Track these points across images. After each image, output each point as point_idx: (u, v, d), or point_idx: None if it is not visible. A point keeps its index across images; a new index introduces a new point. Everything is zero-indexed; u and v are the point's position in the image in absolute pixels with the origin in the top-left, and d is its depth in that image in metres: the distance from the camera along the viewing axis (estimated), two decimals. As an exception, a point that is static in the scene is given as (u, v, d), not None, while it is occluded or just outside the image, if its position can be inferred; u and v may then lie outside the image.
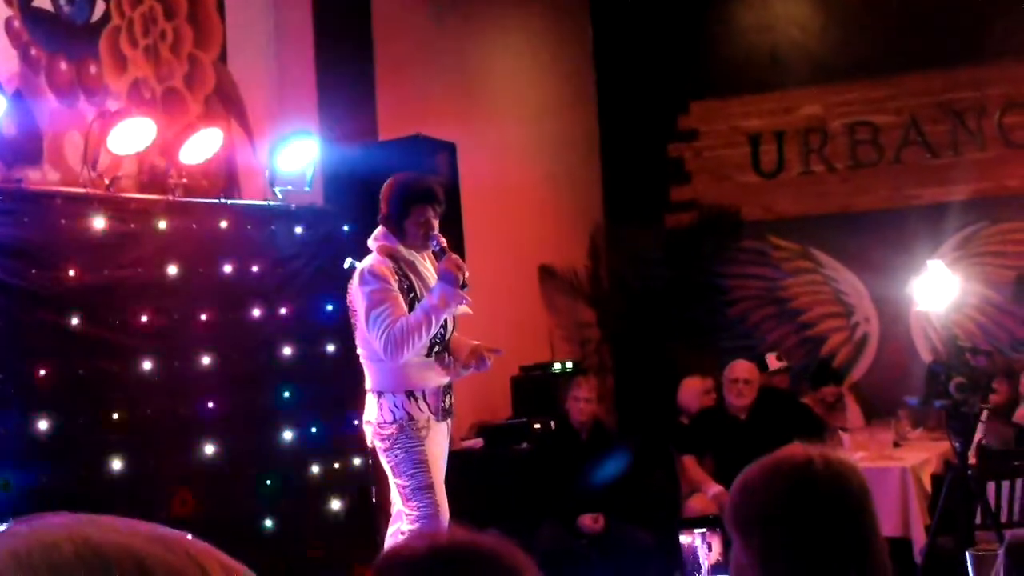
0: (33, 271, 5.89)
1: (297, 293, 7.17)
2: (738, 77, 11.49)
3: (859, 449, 8.04)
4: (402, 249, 5.67)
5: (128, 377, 6.14)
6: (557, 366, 9.76)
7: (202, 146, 6.84)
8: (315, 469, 7.18)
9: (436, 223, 5.72)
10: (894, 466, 7.74)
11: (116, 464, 6.06)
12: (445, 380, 5.76)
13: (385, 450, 5.65)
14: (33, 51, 6.52)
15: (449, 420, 5.86)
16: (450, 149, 7.93)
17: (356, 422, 7.12)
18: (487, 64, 10.31)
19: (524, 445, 8.72)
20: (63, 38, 6.69)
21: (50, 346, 5.91)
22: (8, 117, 6.04)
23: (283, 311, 7.04)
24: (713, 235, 11.36)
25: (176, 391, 6.38)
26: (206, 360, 6.56)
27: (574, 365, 9.81)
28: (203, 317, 6.58)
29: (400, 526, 5.74)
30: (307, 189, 7.42)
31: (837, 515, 2.21)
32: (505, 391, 9.50)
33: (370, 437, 5.76)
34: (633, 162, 11.75)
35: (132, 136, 6.46)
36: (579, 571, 7.62)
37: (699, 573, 2.54)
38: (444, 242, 5.67)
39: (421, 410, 5.63)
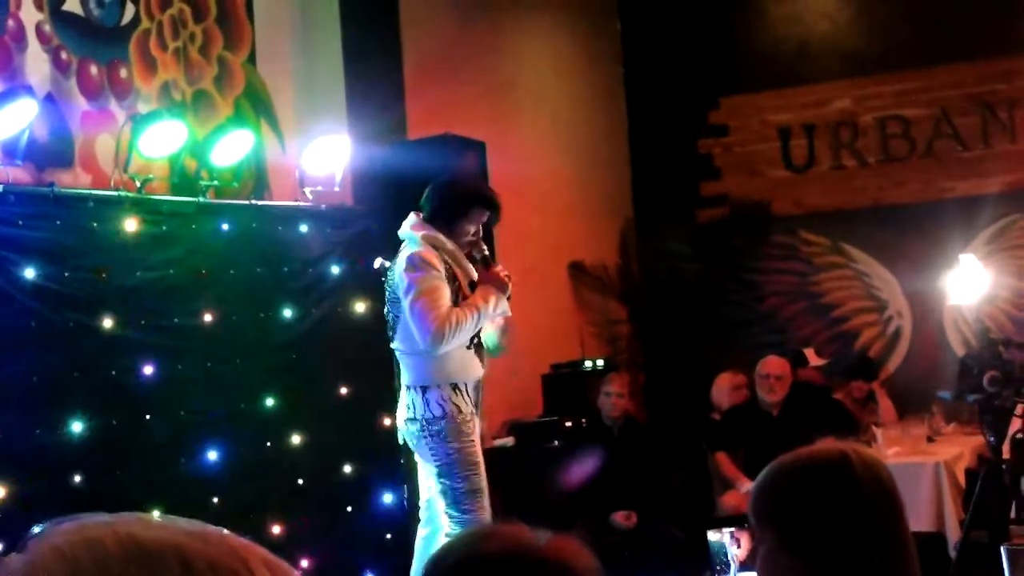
0: (66, 273, 5.93)
1: (328, 293, 7.20)
2: (767, 71, 11.45)
3: (892, 444, 8.00)
4: (445, 240, 5.63)
5: (161, 378, 6.17)
6: (588, 363, 9.75)
7: (232, 147, 6.87)
8: (347, 469, 7.20)
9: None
10: (928, 461, 7.70)
11: (151, 464, 6.10)
12: (482, 373, 5.74)
13: (434, 448, 5.54)
14: (63, 55, 6.56)
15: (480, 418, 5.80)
16: (479, 147, 7.93)
17: (388, 422, 7.15)
18: (516, 62, 10.30)
19: (556, 443, 8.72)
20: (93, 41, 6.73)
21: (83, 348, 5.95)
22: (39, 121, 6.07)
23: (314, 311, 7.06)
24: (744, 230, 11.32)
25: (207, 392, 6.41)
26: (238, 360, 6.59)
27: (605, 362, 9.79)
28: (234, 318, 6.60)
29: (444, 530, 5.61)
30: (337, 189, 7.44)
31: (867, 510, 2.21)
32: (536, 389, 9.50)
33: (410, 436, 5.63)
34: (663, 158, 11.72)
35: (163, 138, 6.49)
36: (611, 568, 7.62)
37: (727, 571, 2.54)
38: (486, 250, 5.75)
39: (466, 403, 5.59)
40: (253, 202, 7.03)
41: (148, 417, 6.17)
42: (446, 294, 5.47)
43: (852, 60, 11.18)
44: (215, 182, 6.90)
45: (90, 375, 5.99)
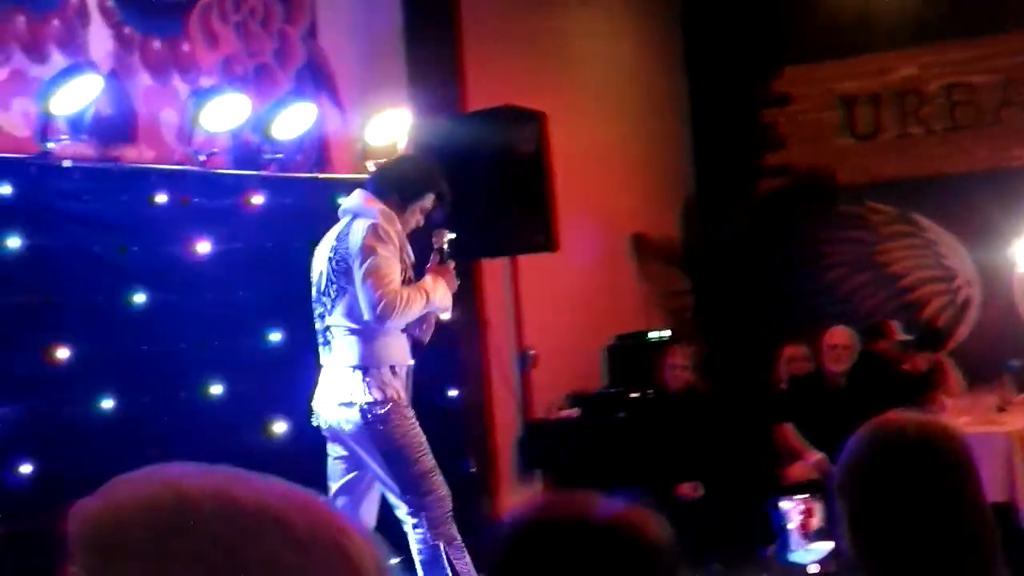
0: (131, 248, 5.97)
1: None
2: (830, 40, 11.31)
3: (961, 415, 7.91)
4: (397, 220, 5.41)
5: (227, 350, 6.21)
6: (652, 335, 9.71)
7: (294, 121, 6.89)
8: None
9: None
10: (998, 431, 7.61)
11: (225, 438, 6.13)
12: (412, 361, 5.49)
13: (379, 434, 5.24)
14: (126, 31, 6.59)
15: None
16: (538, 119, 7.89)
17: (452, 394, 7.18)
18: (574, 33, 10.23)
19: (620, 414, 8.70)
20: (155, 17, 6.75)
21: (147, 321, 6.00)
22: (103, 97, 6.11)
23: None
24: (808, 200, 11.21)
25: (274, 362, 6.44)
26: (303, 331, 6.61)
27: (669, 333, 9.74)
28: (299, 290, 6.62)
29: (407, 522, 5.35)
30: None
31: (928, 480, 2.17)
32: (600, 361, 9.47)
33: (346, 421, 5.31)
34: (725, 128, 11.62)
35: (225, 112, 6.52)
36: (676, 540, 7.58)
37: (794, 540, 2.52)
38: (447, 243, 5.56)
39: (401, 388, 5.33)
40: (315, 175, 7.04)
41: (213, 390, 6.22)
42: (398, 270, 5.27)
43: (917, 27, 11.01)
44: (277, 155, 6.91)
45: (156, 349, 6.04)
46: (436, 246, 5.55)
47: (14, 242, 5.55)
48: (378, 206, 5.37)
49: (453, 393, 7.60)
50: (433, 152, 7.74)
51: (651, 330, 9.87)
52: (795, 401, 8.44)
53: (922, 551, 2.13)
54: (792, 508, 2.43)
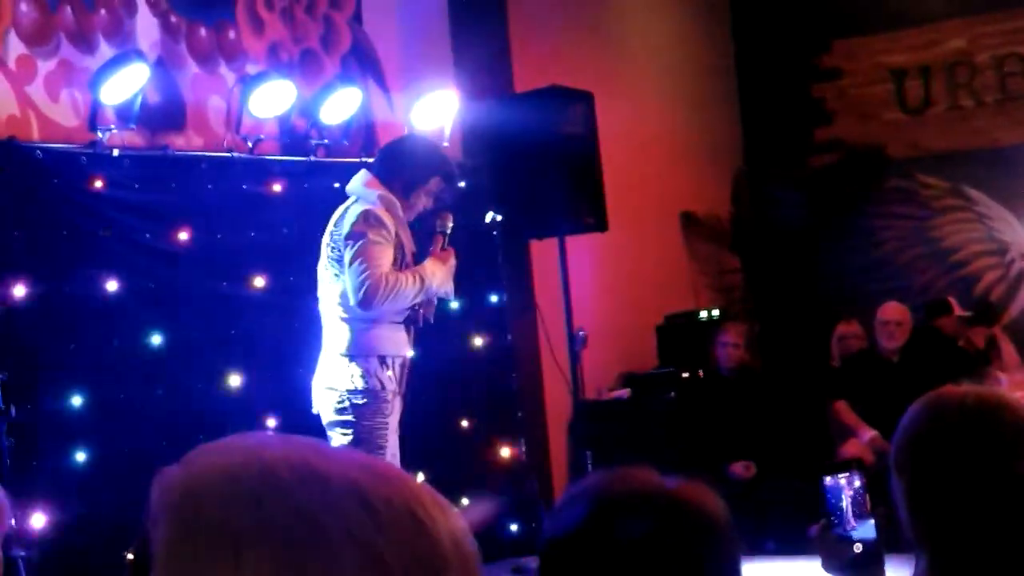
0: (181, 235, 6.01)
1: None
2: (879, 12, 11.20)
3: (1017, 389, 7.82)
4: (398, 205, 5.28)
5: (279, 336, 6.24)
6: (703, 313, 9.66)
7: (341, 106, 6.91)
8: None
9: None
10: (1054, 405, 7.52)
11: (271, 422, 6.18)
12: (411, 353, 5.38)
13: (347, 423, 5.13)
14: (173, 19, 6.62)
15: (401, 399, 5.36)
16: (587, 99, 7.85)
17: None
18: (622, 10, 10.18)
19: (671, 394, 8.67)
20: (201, 5, 6.78)
21: (199, 308, 6.04)
22: (151, 85, 6.14)
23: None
24: (858, 175, 11.12)
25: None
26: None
27: (720, 312, 9.69)
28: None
29: None
30: (445, 144, 7.43)
31: (989, 452, 2.13)
32: (651, 340, 9.44)
33: (326, 403, 5.21)
34: (773, 104, 11.54)
35: (272, 99, 6.54)
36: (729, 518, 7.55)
37: (843, 516, 2.49)
38: (450, 228, 5.45)
39: (391, 380, 5.19)
40: (363, 159, 7.05)
41: (263, 375, 6.26)
42: (389, 256, 5.13)
43: (965, -1, 10.91)
44: (325, 141, 6.93)
45: (209, 335, 6.09)
46: (439, 230, 5.44)
47: (65, 231, 5.60)
48: (378, 190, 5.26)
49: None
50: (481, 134, 7.74)
51: (702, 309, 9.82)
52: (849, 378, 8.39)
53: (984, 526, 2.10)
54: (841, 484, 2.40)
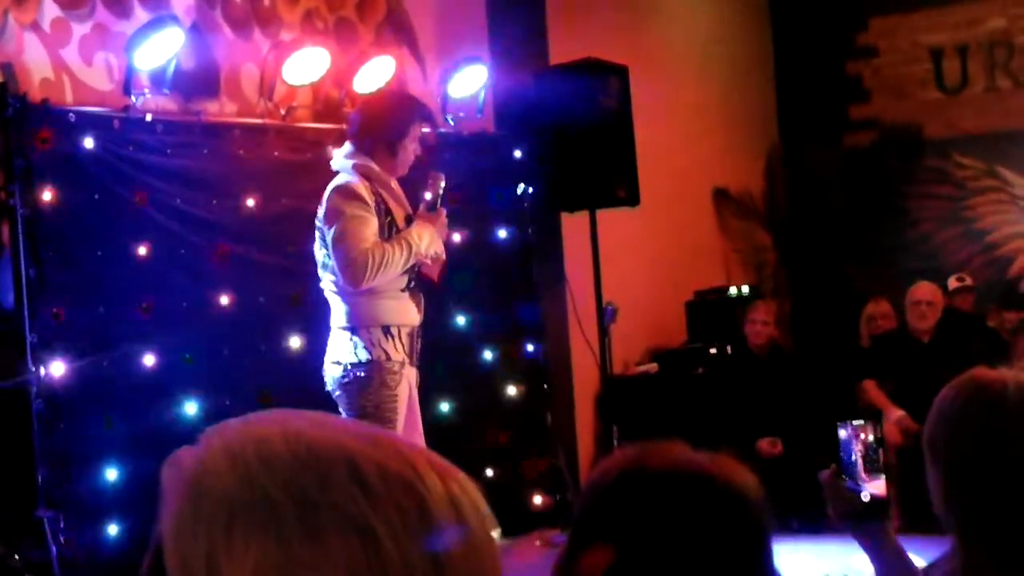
0: (213, 201, 6.03)
1: (473, 219, 7.21)
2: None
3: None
4: (377, 169, 5.13)
5: (306, 304, 6.25)
6: (733, 290, 9.63)
7: (375, 74, 6.90)
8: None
9: None
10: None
11: (313, 389, 6.18)
12: (419, 320, 5.22)
13: (351, 396, 5.03)
14: (208, -16, 6.61)
15: (416, 369, 5.24)
16: (622, 72, 7.81)
17: (531, 347, 7.17)
18: (658, -16, 10.13)
19: (700, 370, 8.66)
20: (237, -29, 6.76)
21: (229, 274, 6.05)
22: (185, 51, 6.14)
23: (456, 237, 7.06)
24: (894, 154, 11.05)
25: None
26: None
27: (751, 289, 9.66)
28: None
29: None
30: (478, 115, 7.42)
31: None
32: (680, 316, 9.42)
33: (331, 379, 5.10)
34: (809, 81, 11.47)
35: (306, 66, 6.54)
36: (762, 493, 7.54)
37: (855, 468, 2.48)
38: (442, 188, 5.29)
39: (397, 350, 5.05)
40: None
41: (289, 342, 6.27)
42: (372, 227, 4.98)
43: (1007, -24, 10.80)
44: (358, 109, 6.91)
45: (239, 301, 6.10)
46: (430, 191, 5.27)
47: (98, 195, 5.62)
48: (354, 159, 5.13)
49: (531, 347, 7.63)
50: (515, 106, 7.71)
51: (732, 285, 9.79)
52: (878, 357, 8.35)
53: (1020, 511, 2.08)
54: (852, 435, 2.39)
